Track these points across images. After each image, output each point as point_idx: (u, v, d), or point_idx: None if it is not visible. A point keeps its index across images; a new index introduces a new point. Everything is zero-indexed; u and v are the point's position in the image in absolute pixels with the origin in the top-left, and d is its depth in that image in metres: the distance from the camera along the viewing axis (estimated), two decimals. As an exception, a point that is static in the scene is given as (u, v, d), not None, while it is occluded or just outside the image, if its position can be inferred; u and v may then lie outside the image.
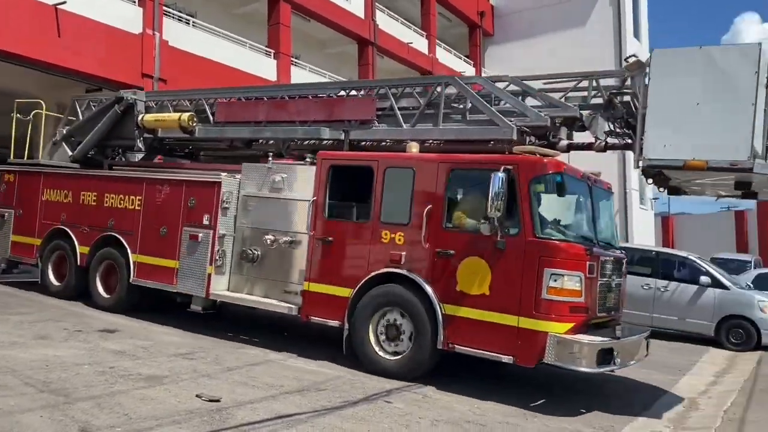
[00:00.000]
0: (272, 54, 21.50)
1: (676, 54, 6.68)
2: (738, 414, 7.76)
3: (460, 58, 32.72)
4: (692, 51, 6.57)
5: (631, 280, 11.02)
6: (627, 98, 7.67)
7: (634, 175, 25.68)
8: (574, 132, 8.37)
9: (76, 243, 11.30)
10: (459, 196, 7.87)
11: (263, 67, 20.78)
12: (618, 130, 7.86)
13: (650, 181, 7.60)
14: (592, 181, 8.00)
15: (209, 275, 9.58)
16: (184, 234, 9.91)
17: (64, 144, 12.49)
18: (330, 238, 8.51)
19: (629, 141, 7.65)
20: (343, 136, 9.34)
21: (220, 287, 9.69)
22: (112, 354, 7.75)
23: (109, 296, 10.91)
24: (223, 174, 9.88)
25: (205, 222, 9.71)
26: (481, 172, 7.53)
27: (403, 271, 7.85)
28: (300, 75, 21.97)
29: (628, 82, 7.63)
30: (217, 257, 9.59)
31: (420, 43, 29.40)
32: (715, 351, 13.18)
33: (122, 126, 11.94)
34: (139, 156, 12.15)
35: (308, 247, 8.72)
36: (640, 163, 7.04)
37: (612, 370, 7.56)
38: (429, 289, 7.63)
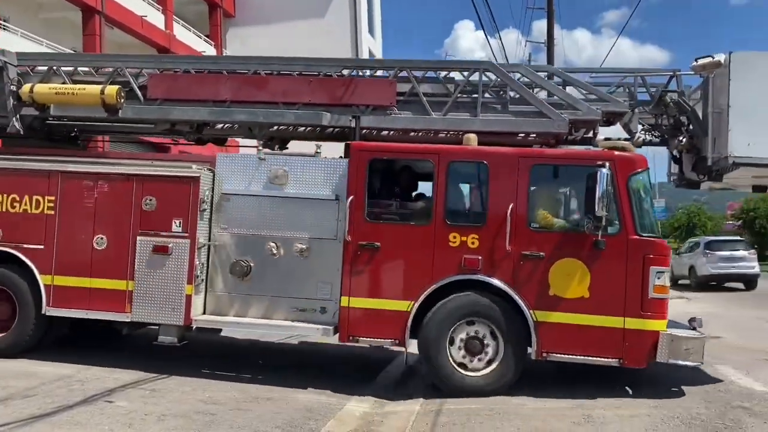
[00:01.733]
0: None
1: (756, 57, 7.08)
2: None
3: (200, 37, 30.84)
4: (772, 54, 7.03)
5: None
6: (675, 96, 7.90)
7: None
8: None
9: None
10: (544, 194, 7.29)
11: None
12: (665, 126, 8.06)
13: (704, 177, 7.97)
14: None
15: (188, 296, 7.46)
16: (142, 245, 7.55)
17: None
18: (376, 244, 7.22)
19: (676, 138, 7.90)
20: (352, 123, 7.97)
21: (197, 311, 7.63)
22: None
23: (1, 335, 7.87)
24: (194, 166, 7.75)
25: (176, 229, 7.53)
26: (573, 168, 7.09)
27: (483, 278, 7.03)
28: (9, 40, 18.07)
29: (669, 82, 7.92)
30: (198, 273, 7.52)
31: (156, 18, 27.00)
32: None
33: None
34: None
35: (345, 255, 7.29)
36: (710, 159, 7.33)
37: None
38: (517, 296, 6.96)
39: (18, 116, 8.47)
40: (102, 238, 7.65)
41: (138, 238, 7.57)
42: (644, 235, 6.95)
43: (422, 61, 8.21)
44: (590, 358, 6.94)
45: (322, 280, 7.54)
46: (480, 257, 7.04)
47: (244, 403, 6.61)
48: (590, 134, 8.34)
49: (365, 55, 30.25)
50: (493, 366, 7.03)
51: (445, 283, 7.07)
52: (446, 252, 7.11)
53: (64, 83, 8.45)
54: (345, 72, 8.23)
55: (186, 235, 7.49)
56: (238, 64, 8.54)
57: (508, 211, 6.97)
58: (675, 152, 8.27)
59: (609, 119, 8.12)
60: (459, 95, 7.97)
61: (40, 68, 8.75)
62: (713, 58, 7.27)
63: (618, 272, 6.86)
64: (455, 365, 7.04)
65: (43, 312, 7.72)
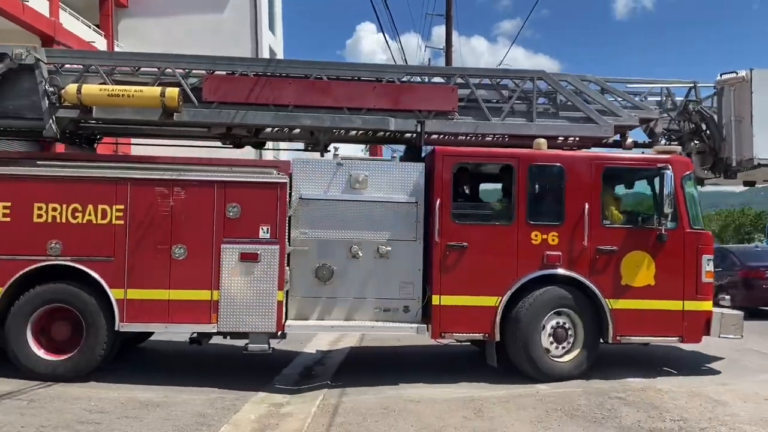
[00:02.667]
0: None
1: (775, 74, 8.30)
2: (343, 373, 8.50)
3: (90, 26, 28.85)
4: (788, 73, 8.30)
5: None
6: (696, 106, 8.98)
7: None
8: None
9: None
10: (613, 193, 8.06)
11: None
12: (686, 131, 9.11)
13: (719, 175, 9.12)
14: None
15: (279, 303, 7.40)
16: (228, 253, 7.36)
17: None
18: (464, 244, 7.62)
19: (692, 141, 9.02)
20: (417, 128, 8.26)
21: (289, 316, 7.61)
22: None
23: (59, 358, 7.27)
24: (275, 171, 7.67)
25: (264, 235, 7.43)
26: (639, 170, 7.95)
27: (566, 272, 7.68)
28: None
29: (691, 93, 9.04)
30: (287, 279, 7.48)
31: (39, 3, 25.04)
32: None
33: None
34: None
35: (434, 255, 7.61)
36: (734, 160, 8.51)
37: None
38: (595, 287, 7.69)
39: (54, 118, 7.82)
40: (181, 248, 7.33)
41: (222, 246, 7.36)
42: (696, 228, 7.98)
43: (480, 69, 8.67)
44: (656, 338, 7.88)
45: (403, 280, 7.81)
46: (560, 253, 7.69)
47: (132, 410, 6.33)
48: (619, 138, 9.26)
49: (265, 52, 29.58)
50: (574, 352, 7.74)
51: (531, 278, 7.65)
52: (529, 249, 7.68)
53: (103, 84, 7.91)
54: (406, 78, 8.48)
55: (275, 241, 7.41)
56: (297, 68, 8.45)
57: (585, 210, 7.69)
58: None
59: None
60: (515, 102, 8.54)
61: (69, 66, 8.11)
62: (737, 74, 8.46)
63: (677, 261, 7.82)
64: (546, 353, 7.66)
65: (116, 329, 7.27)
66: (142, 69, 8.25)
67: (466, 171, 7.91)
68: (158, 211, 7.35)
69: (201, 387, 7.29)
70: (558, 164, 7.86)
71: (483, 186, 8.29)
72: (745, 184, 9.78)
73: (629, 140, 9.06)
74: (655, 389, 7.18)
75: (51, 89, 7.81)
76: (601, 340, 7.82)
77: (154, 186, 7.37)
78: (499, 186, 8.28)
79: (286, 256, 7.46)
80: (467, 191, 7.96)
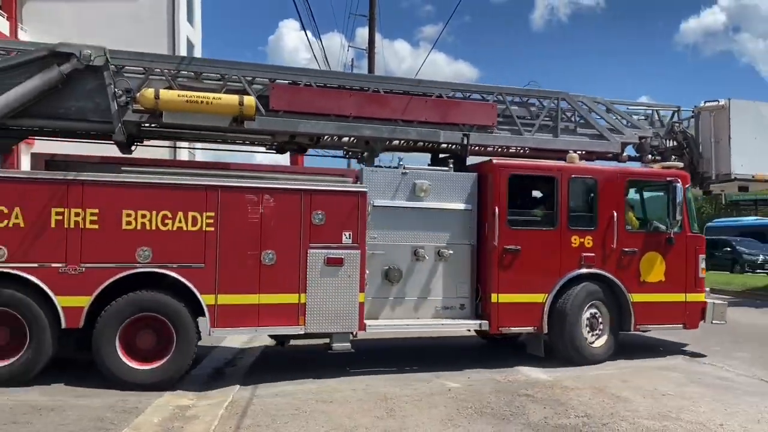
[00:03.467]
0: None
1: (748, 104, 10.00)
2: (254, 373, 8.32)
3: None
4: (758, 104, 10.05)
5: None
6: (681, 126, 10.53)
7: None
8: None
9: (49, 292, 6.91)
10: (632, 202, 9.33)
11: None
12: (669, 148, 10.60)
13: (696, 187, 10.73)
14: None
15: (361, 304, 7.89)
16: (314, 258, 7.71)
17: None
18: (518, 247, 8.55)
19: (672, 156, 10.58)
20: (463, 140, 9.04)
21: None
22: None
23: (148, 367, 7.24)
24: (350, 180, 8.12)
25: (346, 240, 7.86)
26: (654, 183, 9.30)
27: (599, 271, 8.86)
28: None
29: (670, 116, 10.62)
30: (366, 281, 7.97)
31: None
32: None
33: (59, 99, 7.61)
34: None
35: (492, 258, 8.47)
36: (714, 175, 10.18)
37: None
38: (621, 284, 8.95)
39: (123, 122, 7.70)
40: (270, 253, 7.57)
41: (309, 251, 7.70)
42: (694, 232, 9.50)
43: (513, 88, 9.55)
44: (666, 325, 9.31)
45: (460, 280, 8.61)
46: (594, 254, 8.86)
47: (22, 415, 5.98)
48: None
49: (183, 44, 28.38)
50: (604, 338, 8.96)
51: (572, 276, 8.75)
52: (569, 251, 8.79)
53: (169, 89, 7.89)
54: (451, 94, 9.21)
55: (356, 246, 7.87)
56: (356, 80, 8.89)
57: (614, 217, 8.91)
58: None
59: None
60: (539, 119, 9.59)
61: (130, 68, 7.98)
62: (719, 102, 10.12)
63: (681, 260, 9.29)
64: (585, 340, 8.80)
65: (209, 334, 7.37)
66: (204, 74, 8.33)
67: (518, 181, 8.83)
68: (248, 218, 7.53)
69: (102, 389, 6.99)
70: (592, 176, 9.01)
71: (532, 195, 9.24)
72: (740, 189, 11.57)
73: (625, 154, 10.46)
74: (561, 386, 7.60)
75: (120, 92, 7.68)
76: (622, 330, 9.11)
77: (245, 193, 7.54)
78: (543, 194, 9.27)
79: (366, 259, 7.95)
80: (520, 199, 8.86)
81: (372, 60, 25.26)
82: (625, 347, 9.35)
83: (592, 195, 9.04)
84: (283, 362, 8.87)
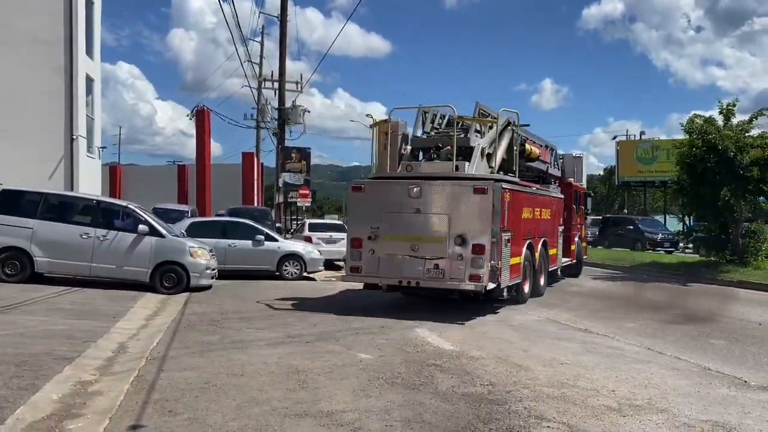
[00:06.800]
0: None
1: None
2: (161, 352, 7.86)
3: None
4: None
5: (71, 229, 13.55)
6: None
7: (81, 121, 22.69)
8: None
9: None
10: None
11: None
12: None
13: None
14: None
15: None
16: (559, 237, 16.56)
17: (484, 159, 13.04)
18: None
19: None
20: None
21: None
22: None
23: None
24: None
25: (559, 227, 16.60)
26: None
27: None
28: None
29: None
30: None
31: None
32: (150, 295, 13.20)
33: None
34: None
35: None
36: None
37: None
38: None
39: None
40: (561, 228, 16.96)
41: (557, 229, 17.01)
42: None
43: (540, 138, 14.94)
44: None
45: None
46: None
47: None
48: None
49: (81, 79, 22.61)
50: None
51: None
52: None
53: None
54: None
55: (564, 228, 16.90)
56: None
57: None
58: None
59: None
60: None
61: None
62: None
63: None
64: None
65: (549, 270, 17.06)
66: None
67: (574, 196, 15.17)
68: (553, 212, 16.12)
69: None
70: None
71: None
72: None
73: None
74: (468, 356, 7.95)
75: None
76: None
77: (554, 200, 16.32)
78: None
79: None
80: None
81: (284, 27, 27.14)
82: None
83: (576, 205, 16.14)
84: (192, 336, 9.00)
